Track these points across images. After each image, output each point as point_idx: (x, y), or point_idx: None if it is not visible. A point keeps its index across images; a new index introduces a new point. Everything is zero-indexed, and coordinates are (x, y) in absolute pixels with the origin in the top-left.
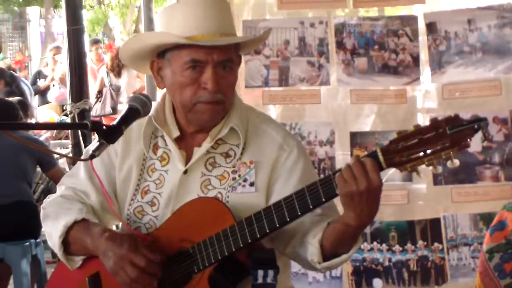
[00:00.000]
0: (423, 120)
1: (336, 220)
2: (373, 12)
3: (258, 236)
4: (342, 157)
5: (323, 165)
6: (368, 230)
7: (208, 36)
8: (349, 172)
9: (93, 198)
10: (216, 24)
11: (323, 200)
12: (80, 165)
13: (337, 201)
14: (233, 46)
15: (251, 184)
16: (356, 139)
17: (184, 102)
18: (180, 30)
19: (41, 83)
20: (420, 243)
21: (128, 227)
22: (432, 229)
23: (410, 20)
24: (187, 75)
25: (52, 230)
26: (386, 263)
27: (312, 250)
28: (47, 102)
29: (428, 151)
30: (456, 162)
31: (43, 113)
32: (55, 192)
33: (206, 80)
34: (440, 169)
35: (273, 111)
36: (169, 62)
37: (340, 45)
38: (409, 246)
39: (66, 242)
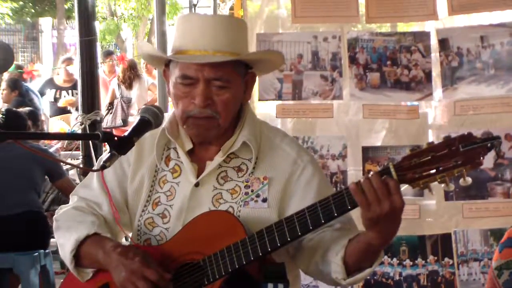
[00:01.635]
0: (435, 136)
1: (358, 239)
2: (385, 28)
3: (269, 249)
4: (355, 171)
5: (335, 178)
6: None
7: (200, 52)
8: (373, 195)
9: (106, 209)
10: (211, 40)
11: (335, 215)
12: (93, 175)
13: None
14: (232, 64)
15: (264, 200)
16: (368, 153)
17: (178, 115)
18: (178, 43)
19: (51, 94)
20: (431, 258)
21: (132, 239)
22: (442, 244)
23: (423, 36)
24: (180, 88)
25: (64, 243)
26: (397, 277)
27: (336, 268)
28: (58, 113)
29: (441, 168)
30: (469, 180)
31: (54, 124)
32: (64, 202)
33: (195, 95)
34: (452, 186)
35: (286, 125)
36: (170, 73)
37: (353, 59)
38: (419, 260)
39: (77, 256)
